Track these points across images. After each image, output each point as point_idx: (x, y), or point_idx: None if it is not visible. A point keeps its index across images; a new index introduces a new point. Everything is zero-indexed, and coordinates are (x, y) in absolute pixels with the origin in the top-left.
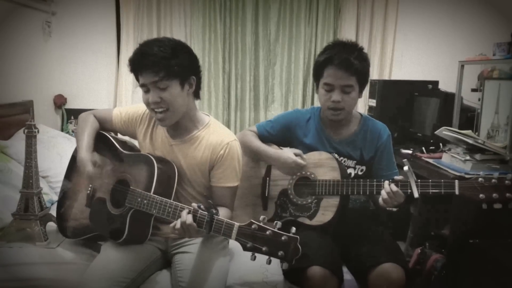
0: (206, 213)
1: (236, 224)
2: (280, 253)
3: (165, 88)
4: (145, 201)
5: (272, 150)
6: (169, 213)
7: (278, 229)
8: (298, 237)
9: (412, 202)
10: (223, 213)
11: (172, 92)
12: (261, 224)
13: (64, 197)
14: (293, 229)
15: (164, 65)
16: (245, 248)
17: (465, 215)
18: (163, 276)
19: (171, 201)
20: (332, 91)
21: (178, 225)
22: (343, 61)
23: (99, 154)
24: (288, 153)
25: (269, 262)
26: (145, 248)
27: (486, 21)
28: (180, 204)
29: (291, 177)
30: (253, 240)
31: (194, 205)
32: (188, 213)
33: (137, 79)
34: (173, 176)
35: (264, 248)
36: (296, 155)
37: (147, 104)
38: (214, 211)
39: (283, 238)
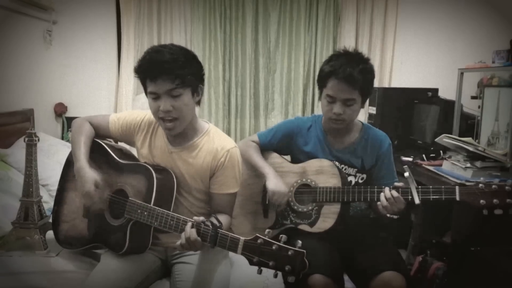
0: (210, 227)
1: (242, 238)
2: (287, 267)
3: (178, 96)
4: (145, 213)
5: (271, 173)
6: (171, 226)
7: (284, 242)
8: (304, 251)
9: (413, 209)
10: (223, 220)
11: (184, 101)
12: (266, 238)
13: (59, 206)
14: (299, 243)
15: (180, 73)
16: (251, 263)
17: (466, 222)
18: (163, 285)
19: (173, 213)
20: (334, 103)
21: (183, 241)
22: (347, 76)
23: (94, 163)
24: (283, 187)
25: (275, 276)
26: (145, 258)
27: (486, 28)
28: (182, 216)
29: (292, 185)
30: (260, 255)
31: (197, 218)
32: (192, 227)
33: (144, 86)
34: (172, 186)
35: (271, 263)
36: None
37: (156, 112)
38: (218, 225)
39: (289, 252)
